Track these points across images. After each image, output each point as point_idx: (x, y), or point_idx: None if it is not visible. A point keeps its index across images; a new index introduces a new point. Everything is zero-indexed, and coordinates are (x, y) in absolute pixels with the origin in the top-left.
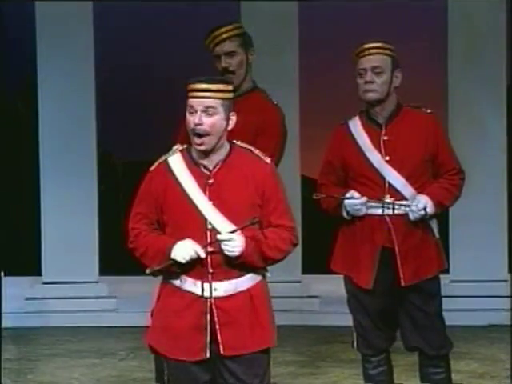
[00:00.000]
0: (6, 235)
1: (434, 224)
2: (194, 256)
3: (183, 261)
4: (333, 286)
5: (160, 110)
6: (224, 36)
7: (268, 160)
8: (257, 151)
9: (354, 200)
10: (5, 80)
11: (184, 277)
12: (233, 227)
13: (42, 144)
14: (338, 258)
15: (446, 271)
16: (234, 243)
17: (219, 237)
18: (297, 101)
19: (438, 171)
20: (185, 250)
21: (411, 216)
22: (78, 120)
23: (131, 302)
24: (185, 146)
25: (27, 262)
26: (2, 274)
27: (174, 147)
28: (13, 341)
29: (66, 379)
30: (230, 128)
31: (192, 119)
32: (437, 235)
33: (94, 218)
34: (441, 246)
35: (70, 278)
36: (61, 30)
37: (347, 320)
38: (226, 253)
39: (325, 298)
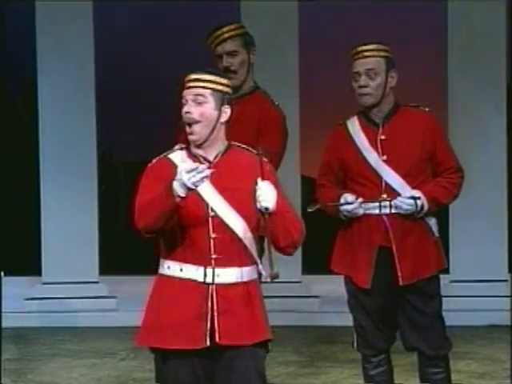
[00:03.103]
0: (5, 235)
1: (432, 223)
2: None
3: (190, 185)
4: (333, 285)
5: (160, 110)
6: (226, 36)
7: (265, 159)
8: (253, 150)
9: (347, 206)
10: (5, 80)
11: (184, 265)
12: (235, 214)
13: (42, 144)
14: (336, 258)
15: (446, 271)
16: (271, 191)
17: (258, 186)
18: (297, 101)
19: (437, 170)
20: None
21: (402, 211)
22: (78, 120)
23: (131, 302)
24: (183, 145)
25: (27, 262)
26: (2, 273)
27: (175, 147)
28: (13, 341)
29: (66, 379)
30: (223, 120)
31: (183, 110)
32: (436, 234)
33: (94, 218)
34: (440, 245)
35: (70, 278)
36: (61, 30)
37: (347, 320)
38: (263, 203)
39: (325, 298)
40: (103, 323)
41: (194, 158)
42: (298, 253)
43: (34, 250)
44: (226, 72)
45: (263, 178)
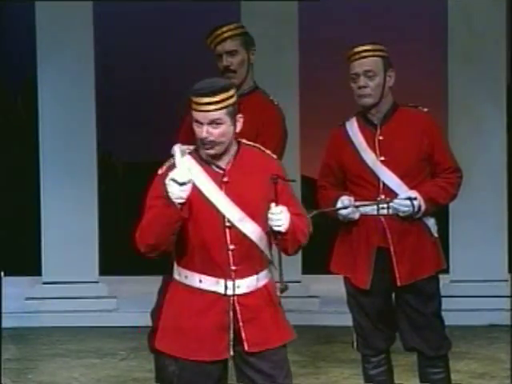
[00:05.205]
0: (5, 235)
1: (431, 223)
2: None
3: (184, 179)
4: (333, 285)
5: (160, 110)
6: (225, 35)
7: (274, 156)
8: (262, 148)
9: (342, 211)
10: (5, 80)
11: (204, 276)
12: (251, 222)
13: (42, 144)
14: (336, 259)
15: (446, 271)
16: (285, 215)
17: (271, 210)
18: (297, 101)
19: (435, 170)
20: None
21: (400, 213)
22: (78, 120)
23: (131, 302)
24: (191, 147)
25: (27, 262)
26: (2, 273)
27: (175, 146)
28: (13, 341)
29: (66, 379)
30: (238, 130)
31: (199, 131)
32: (435, 234)
33: (94, 219)
34: (439, 245)
35: (70, 278)
36: (61, 30)
37: (347, 320)
38: (276, 228)
39: (325, 298)
40: (103, 323)
41: (206, 163)
42: (298, 253)
43: (34, 250)
44: (225, 71)
45: (277, 203)
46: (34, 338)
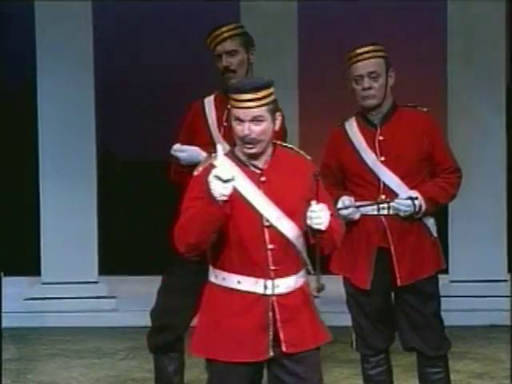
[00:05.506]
0: (5, 235)
1: (431, 223)
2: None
3: (228, 176)
4: (333, 285)
5: (160, 109)
6: (225, 35)
7: (309, 156)
8: (296, 148)
9: (343, 211)
10: (5, 80)
11: (242, 277)
12: (288, 221)
13: (41, 144)
14: (336, 259)
15: (446, 271)
16: (325, 213)
17: (312, 208)
18: (296, 101)
19: (435, 170)
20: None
21: (401, 213)
22: (77, 120)
23: (131, 302)
24: (227, 148)
25: (27, 262)
26: (2, 273)
27: (175, 146)
28: (13, 341)
29: (66, 379)
30: (277, 128)
31: (240, 129)
32: (434, 234)
33: (93, 218)
34: (439, 245)
35: (70, 278)
36: (61, 30)
37: (347, 320)
38: (316, 226)
39: (325, 298)
40: (103, 323)
41: (242, 164)
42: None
43: (34, 250)
44: (225, 71)
45: (318, 201)
46: (33, 338)
